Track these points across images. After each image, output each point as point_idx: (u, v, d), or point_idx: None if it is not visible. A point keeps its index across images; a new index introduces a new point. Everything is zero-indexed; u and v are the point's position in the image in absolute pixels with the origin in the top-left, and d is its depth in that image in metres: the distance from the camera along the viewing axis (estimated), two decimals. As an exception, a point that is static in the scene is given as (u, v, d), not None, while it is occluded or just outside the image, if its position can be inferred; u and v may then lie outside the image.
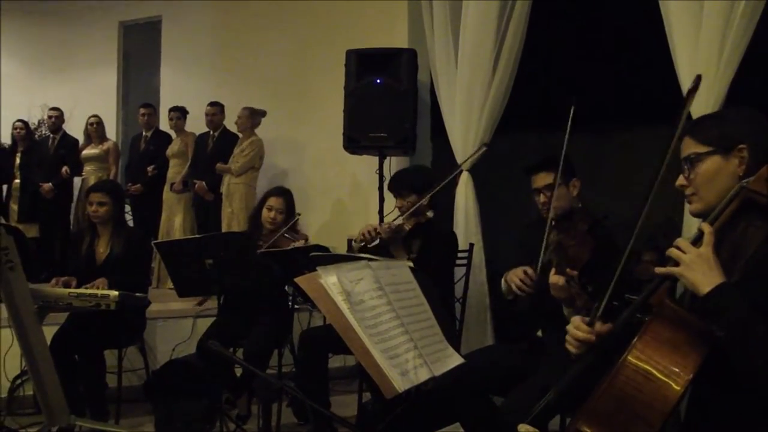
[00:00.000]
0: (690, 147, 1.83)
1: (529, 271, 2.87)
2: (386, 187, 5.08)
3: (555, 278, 2.50)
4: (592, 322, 1.85)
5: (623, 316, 1.79)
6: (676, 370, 1.60)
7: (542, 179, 3.11)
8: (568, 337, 1.87)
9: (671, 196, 2.02)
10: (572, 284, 2.41)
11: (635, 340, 1.66)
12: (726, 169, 1.76)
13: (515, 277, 2.90)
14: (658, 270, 1.71)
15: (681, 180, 1.85)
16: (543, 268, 2.81)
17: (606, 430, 1.63)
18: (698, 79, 1.83)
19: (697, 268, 1.64)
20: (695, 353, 1.62)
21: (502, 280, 3.06)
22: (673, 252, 1.68)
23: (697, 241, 1.68)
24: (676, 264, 1.68)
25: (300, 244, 3.96)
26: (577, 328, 1.86)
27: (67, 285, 3.83)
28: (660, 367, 1.61)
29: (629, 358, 1.64)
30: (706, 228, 1.67)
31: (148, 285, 4.37)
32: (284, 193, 4.23)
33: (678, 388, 1.58)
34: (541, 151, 3.23)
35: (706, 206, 1.79)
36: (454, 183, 4.81)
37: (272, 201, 4.18)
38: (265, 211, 4.17)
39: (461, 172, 4.63)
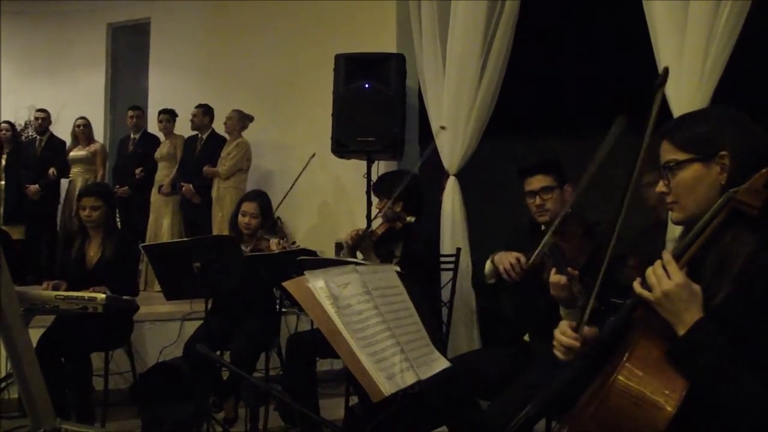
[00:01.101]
0: (669, 153, 1.73)
1: (522, 258, 2.86)
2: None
3: (556, 278, 2.43)
4: (578, 328, 1.81)
5: (606, 328, 1.74)
6: (667, 392, 1.54)
7: (538, 182, 3.08)
8: (555, 342, 1.84)
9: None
10: (574, 283, 2.40)
11: (624, 359, 1.58)
12: (707, 177, 1.67)
13: (505, 260, 2.89)
14: (637, 289, 1.65)
15: (661, 186, 1.77)
16: (534, 265, 2.81)
17: None
18: (666, 72, 1.72)
19: (670, 303, 1.58)
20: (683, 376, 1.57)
21: (488, 262, 3.06)
22: (649, 277, 1.62)
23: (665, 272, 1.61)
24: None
25: (274, 243, 3.96)
26: (563, 333, 1.82)
27: (56, 289, 3.82)
28: (650, 390, 1.55)
29: (619, 380, 1.57)
30: (667, 259, 1.61)
31: (138, 288, 4.35)
32: (258, 197, 4.24)
33: (669, 409, 1.52)
34: (529, 156, 3.22)
35: (687, 215, 1.72)
36: (439, 187, 4.84)
37: (245, 206, 4.20)
38: (240, 217, 4.19)
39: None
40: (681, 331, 1.56)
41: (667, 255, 1.61)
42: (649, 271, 1.62)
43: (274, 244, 3.98)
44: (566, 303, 2.53)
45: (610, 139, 1.86)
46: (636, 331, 1.65)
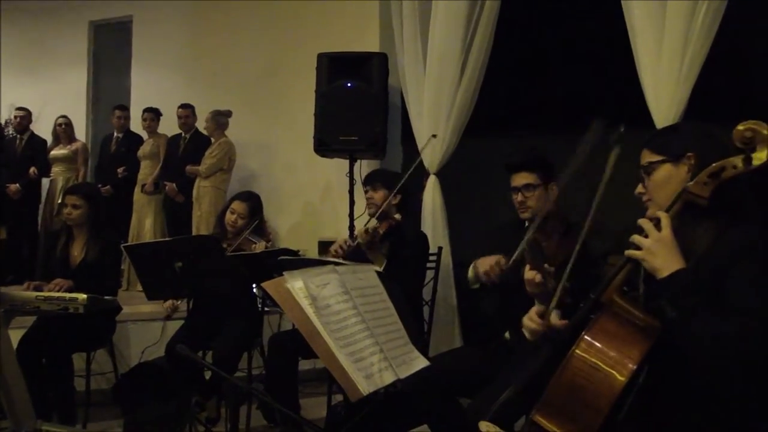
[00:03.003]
0: (646, 157, 1.99)
1: (502, 261, 2.87)
2: (357, 187, 5.12)
3: (531, 274, 2.43)
4: (543, 314, 2.03)
5: (579, 311, 1.89)
6: (622, 360, 1.71)
7: (523, 178, 3.09)
8: (523, 326, 2.08)
9: (637, 202, 2.10)
10: (549, 280, 2.40)
11: (584, 333, 1.77)
12: (676, 176, 1.92)
13: (485, 264, 2.91)
14: (627, 252, 1.84)
15: (639, 188, 2.02)
16: (514, 264, 2.83)
17: (559, 419, 1.74)
18: (620, 135, 1.95)
19: (658, 252, 1.78)
20: (640, 345, 1.73)
21: (470, 267, 3.08)
22: (635, 238, 1.82)
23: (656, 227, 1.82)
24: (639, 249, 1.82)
25: (261, 246, 3.97)
26: (530, 318, 2.08)
27: (38, 290, 3.80)
28: (606, 358, 1.72)
29: (578, 350, 1.75)
30: (662, 215, 1.82)
31: (119, 288, 4.33)
32: (249, 198, 4.24)
33: (623, 377, 1.69)
34: (516, 152, 3.23)
35: (660, 210, 1.89)
36: (421, 186, 4.86)
37: (235, 205, 4.20)
38: (228, 214, 4.19)
39: (423, 172, 4.69)
40: (662, 275, 1.77)
41: (662, 213, 1.83)
42: (634, 236, 1.83)
43: (261, 248, 3.97)
44: (541, 299, 2.56)
45: (586, 144, 2.08)
46: (598, 315, 1.83)
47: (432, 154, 4.86)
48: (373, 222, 3.81)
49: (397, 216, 3.86)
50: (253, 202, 4.23)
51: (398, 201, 3.89)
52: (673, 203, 1.84)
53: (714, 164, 1.79)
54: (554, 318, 1.98)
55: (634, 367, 1.70)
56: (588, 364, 1.73)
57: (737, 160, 1.77)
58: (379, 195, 3.87)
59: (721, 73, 4.01)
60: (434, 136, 4.71)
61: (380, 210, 3.80)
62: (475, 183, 5.19)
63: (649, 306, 1.82)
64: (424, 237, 4.07)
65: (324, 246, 5.58)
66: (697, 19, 3.74)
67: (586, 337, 1.76)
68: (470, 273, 3.09)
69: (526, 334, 2.05)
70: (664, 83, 3.87)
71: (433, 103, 4.86)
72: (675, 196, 1.85)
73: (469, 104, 4.79)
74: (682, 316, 1.72)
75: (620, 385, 1.68)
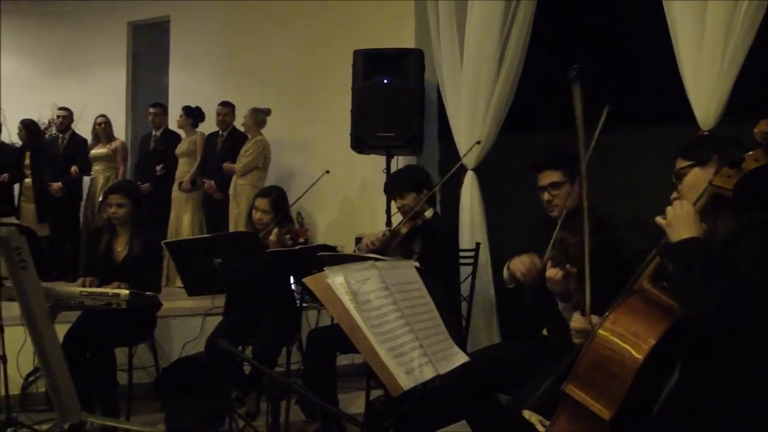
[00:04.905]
0: (678, 163, 2.18)
1: (537, 261, 2.86)
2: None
3: (552, 271, 2.58)
4: (583, 313, 2.17)
5: (614, 301, 2.00)
6: (644, 334, 1.86)
7: (548, 177, 3.08)
8: (571, 331, 2.21)
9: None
10: (570, 281, 2.50)
11: (609, 310, 1.92)
12: (704, 177, 2.06)
13: (521, 265, 2.90)
14: (657, 220, 2.04)
15: (674, 194, 2.18)
16: (546, 263, 2.83)
17: (587, 388, 1.91)
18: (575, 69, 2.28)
19: (679, 223, 1.94)
20: (662, 322, 1.88)
21: (504, 268, 3.08)
22: (667, 209, 2.00)
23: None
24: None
25: (274, 234, 4.00)
26: (575, 321, 2.23)
27: (90, 285, 3.88)
28: (630, 332, 1.88)
29: (605, 324, 1.92)
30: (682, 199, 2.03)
31: (160, 285, 4.40)
32: (270, 193, 4.23)
33: (644, 351, 1.83)
34: (546, 150, 3.22)
35: None
36: (458, 181, 4.85)
37: (258, 202, 4.21)
38: (253, 212, 4.21)
39: (461, 168, 4.69)
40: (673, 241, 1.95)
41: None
42: (667, 207, 2.01)
43: (273, 234, 3.99)
44: (562, 297, 2.62)
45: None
46: (626, 296, 2.00)
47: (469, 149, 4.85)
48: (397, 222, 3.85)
49: (428, 213, 3.87)
50: (273, 195, 4.22)
51: (426, 197, 3.89)
52: (699, 197, 1.98)
53: (737, 157, 1.91)
54: (595, 318, 2.09)
55: (656, 341, 1.83)
56: (614, 335, 1.88)
57: (757, 153, 1.90)
58: (410, 199, 3.89)
59: (763, 67, 3.93)
60: (478, 143, 4.76)
61: (410, 215, 3.84)
62: (512, 179, 5.16)
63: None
64: (454, 233, 4.06)
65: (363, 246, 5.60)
66: (739, 14, 3.68)
67: (612, 313, 1.91)
68: (505, 274, 3.09)
69: (575, 338, 2.17)
70: (705, 78, 3.81)
71: (471, 99, 4.85)
72: (701, 192, 1.99)
73: (506, 100, 4.77)
74: (679, 271, 1.87)
75: (642, 356, 1.81)
